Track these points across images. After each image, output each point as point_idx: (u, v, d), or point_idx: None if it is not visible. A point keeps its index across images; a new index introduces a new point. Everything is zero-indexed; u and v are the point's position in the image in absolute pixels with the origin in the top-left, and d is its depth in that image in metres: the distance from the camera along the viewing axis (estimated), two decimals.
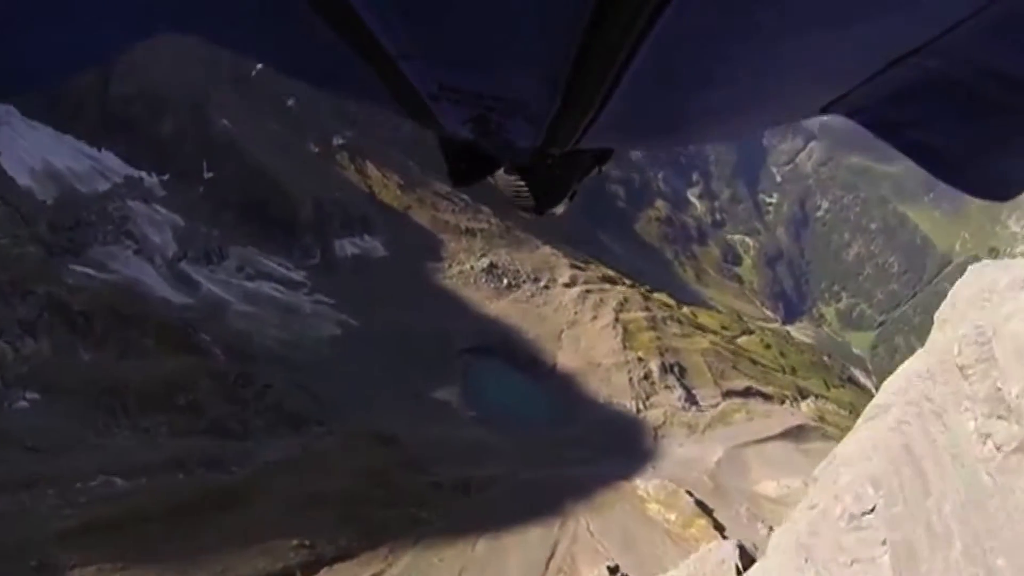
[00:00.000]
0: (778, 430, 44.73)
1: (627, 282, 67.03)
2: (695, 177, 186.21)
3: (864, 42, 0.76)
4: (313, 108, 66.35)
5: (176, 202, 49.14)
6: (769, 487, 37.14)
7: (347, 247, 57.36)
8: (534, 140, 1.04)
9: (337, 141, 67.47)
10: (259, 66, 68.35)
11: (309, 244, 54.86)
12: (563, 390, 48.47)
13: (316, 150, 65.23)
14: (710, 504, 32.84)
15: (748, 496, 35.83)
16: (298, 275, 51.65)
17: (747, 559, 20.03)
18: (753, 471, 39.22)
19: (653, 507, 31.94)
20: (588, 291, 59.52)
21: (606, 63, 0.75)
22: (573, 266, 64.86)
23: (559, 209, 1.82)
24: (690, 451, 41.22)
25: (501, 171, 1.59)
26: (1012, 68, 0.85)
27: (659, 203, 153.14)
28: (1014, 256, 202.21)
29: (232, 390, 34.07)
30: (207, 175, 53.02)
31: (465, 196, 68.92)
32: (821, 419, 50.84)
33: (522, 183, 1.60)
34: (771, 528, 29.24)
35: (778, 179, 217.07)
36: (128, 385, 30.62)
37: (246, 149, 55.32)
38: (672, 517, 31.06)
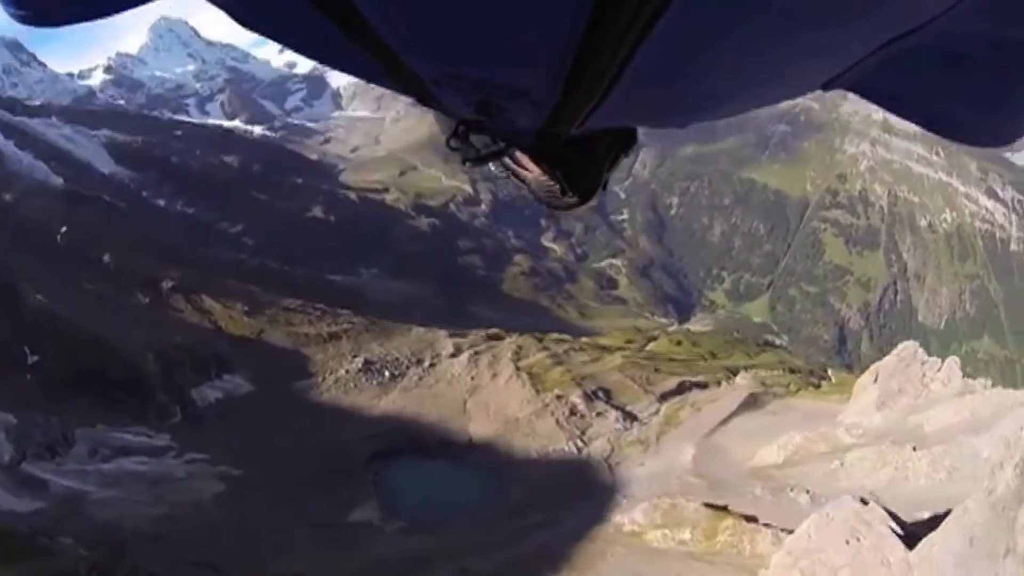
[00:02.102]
0: (733, 406, 44.31)
1: (514, 335, 63.93)
2: (544, 223, 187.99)
3: (864, 28, 0.80)
4: (132, 257, 62.16)
5: (2, 399, 43.33)
6: (768, 454, 36.11)
7: (207, 393, 52.08)
8: (537, 123, 1.06)
9: (167, 284, 63.11)
10: (64, 228, 66.01)
11: (164, 402, 49.38)
12: (488, 460, 44.98)
13: (145, 300, 60.93)
14: (720, 501, 30.40)
15: (752, 474, 34.49)
16: (161, 439, 45.91)
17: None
18: (735, 451, 38.17)
19: (654, 535, 29.55)
20: (477, 353, 56.56)
21: (609, 55, 0.77)
22: (452, 336, 61.76)
23: (594, 200, 1.77)
24: (656, 464, 39.19)
25: (530, 173, 1.57)
26: (1009, 32, 0.90)
27: (518, 258, 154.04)
28: (860, 174, 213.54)
29: None
30: (31, 359, 47.80)
31: (320, 304, 66.03)
32: (763, 384, 51.28)
33: (550, 177, 1.57)
34: (807, 491, 29.72)
35: (623, 196, 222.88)
36: None
37: (67, 319, 50.96)
38: (686, 536, 28.66)
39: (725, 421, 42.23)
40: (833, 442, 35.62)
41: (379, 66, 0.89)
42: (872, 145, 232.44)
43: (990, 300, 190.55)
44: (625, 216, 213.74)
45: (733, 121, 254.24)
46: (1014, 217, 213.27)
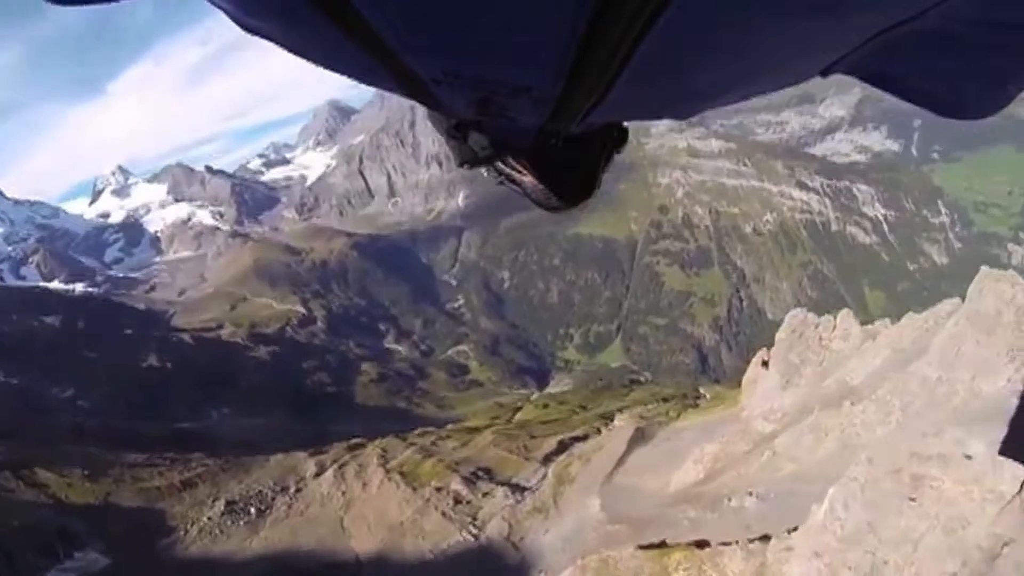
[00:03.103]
0: (623, 446, 43.08)
1: (377, 439, 62.58)
2: (383, 327, 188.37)
3: (863, 17, 0.81)
4: None
5: None
6: (685, 475, 34.66)
7: None
8: (538, 120, 1.06)
9: None
10: None
11: None
12: (383, 574, 42.64)
13: None
14: (653, 539, 27.45)
15: (676, 499, 32.45)
16: None
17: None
18: (645, 485, 36.59)
19: None
20: (342, 466, 54.64)
21: (611, 48, 0.77)
22: (313, 456, 59.68)
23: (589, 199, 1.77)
24: (563, 527, 37.12)
25: (526, 179, 1.57)
26: (1003, 15, 0.90)
27: (365, 367, 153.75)
28: (678, 202, 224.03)
29: None
30: None
31: (168, 453, 62.51)
32: (643, 418, 50.62)
33: (545, 180, 1.58)
34: (749, 492, 27.52)
35: (453, 283, 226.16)
36: None
37: None
38: None
39: (620, 462, 41.14)
40: (753, 436, 34.81)
41: (379, 66, 0.88)
42: (683, 172, 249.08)
43: (827, 280, 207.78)
44: (461, 302, 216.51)
45: None
46: (827, 201, 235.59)
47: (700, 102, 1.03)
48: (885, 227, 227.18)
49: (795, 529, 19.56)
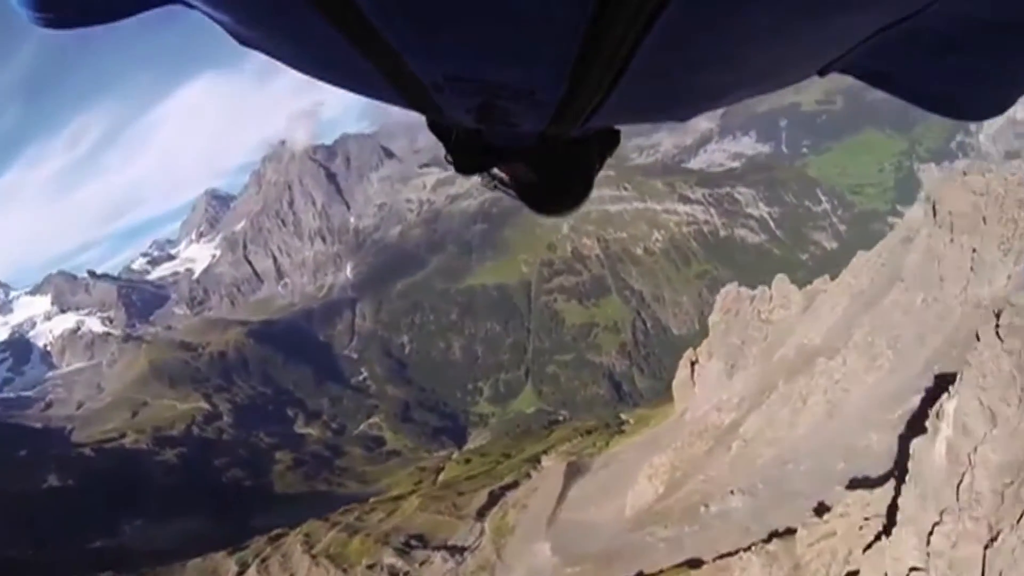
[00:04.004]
0: (559, 485, 41.96)
1: (298, 528, 62.13)
2: (290, 412, 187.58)
3: (862, 16, 0.81)
4: None
5: None
6: (641, 496, 32.85)
7: None
8: (540, 125, 1.05)
9: None
10: None
11: None
12: None
13: None
14: (623, 572, 26.31)
15: (638, 523, 30.65)
16: None
17: None
18: (597, 516, 35.14)
19: None
20: (264, 560, 56.02)
21: (612, 52, 0.77)
22: (233, 554, 59.63)
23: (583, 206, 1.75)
24: None
25: (524, 183, 1.58)
26: (1002, 14, 0.89)
27: (279, 455, 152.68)
28: (565, 237, 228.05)
29: None
30: None
31: None
32: (572, 454, 50.53)
33: (544, 183, 1.58)
34: (731, 490, 25.49)
35: (355, 356, 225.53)
36: None
37: None
38: None
39: (561, 499, 39.68)
40: (711, 433, 33.04)
41: (380, 72, 0.87)
42: None
43: (726, 285, 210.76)
44: (365, 374, 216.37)
45: (434, 239, 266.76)
46: (712, 209, 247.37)
47: (701, 103, 1.02)
48: (772, 224, 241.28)
49: (822, 513, 18.33)
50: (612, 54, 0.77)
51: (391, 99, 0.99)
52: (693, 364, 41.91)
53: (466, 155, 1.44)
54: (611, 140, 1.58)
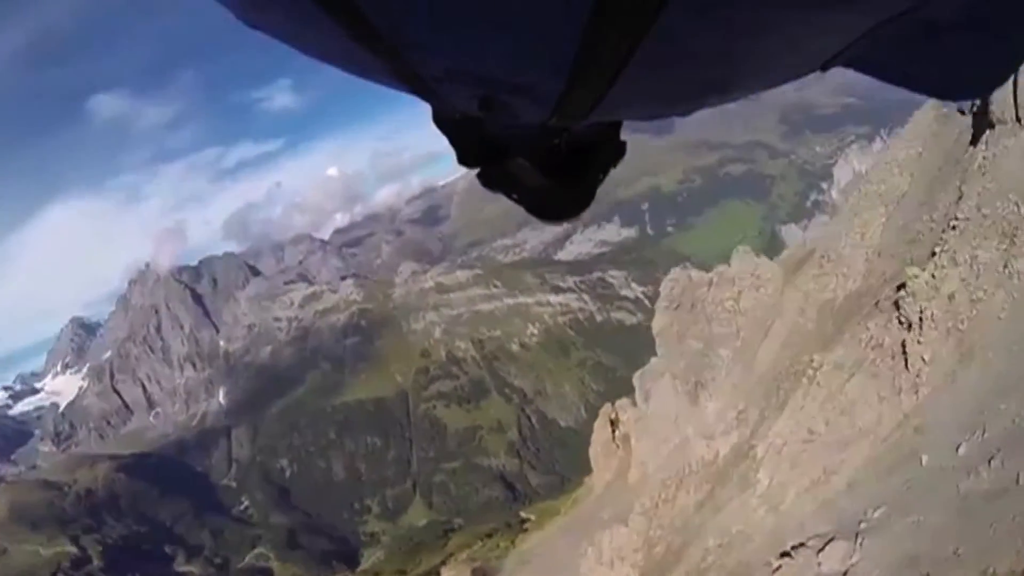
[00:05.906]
0: None
1: None
2: (169, 550, 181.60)
3: (866, 10, 0.82)
4: None
5: None
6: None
7: None
8: (541, 117, 1.05)
9: None
10: None
11: None
12: None
13: None
14: None
15: None
16: None
17: None
18: None
19: None
20: None
21: (612, 48, 0.77)
22: None
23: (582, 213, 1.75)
24: None
25: (527, 183, 1.56)
26: (998, 5, 0.92)
27: None
28: (438, 341, 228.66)
29: None
30: None
31: None
32: (474, 559, 49.69)
33: (548, 184, 1.57)
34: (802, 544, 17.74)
35: (234, 485, 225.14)
36: None
37: None
38: None
39: None
40: (710, 472, 25.99)
41: (381, 63, 0.88)
42: (436, 310, 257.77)
43: (608, 369, 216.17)
44: (247, 503, 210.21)
45: (306, 356, 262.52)
46: (585, 296, 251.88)
47: (704, 97, 1.03)
48: (647, 302, 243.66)
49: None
50: (612, 50, 0.77)
51: (394, 86, 0.99)
52: (613, 422, 37.78)
53: (468, 146, 1.45)
54: (617, 150, 1.61)
